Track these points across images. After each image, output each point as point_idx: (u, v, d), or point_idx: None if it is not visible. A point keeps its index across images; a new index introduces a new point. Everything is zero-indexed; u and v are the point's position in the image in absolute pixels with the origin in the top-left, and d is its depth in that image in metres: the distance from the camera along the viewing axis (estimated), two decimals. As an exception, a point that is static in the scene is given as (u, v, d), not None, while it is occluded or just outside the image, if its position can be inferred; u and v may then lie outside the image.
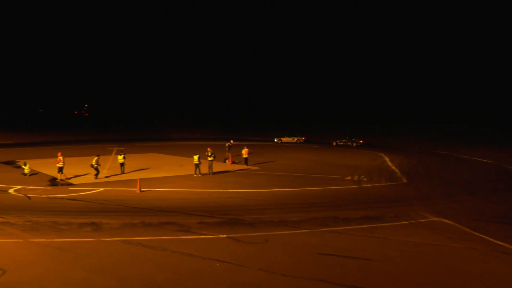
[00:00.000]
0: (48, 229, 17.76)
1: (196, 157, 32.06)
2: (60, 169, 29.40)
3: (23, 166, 32.33)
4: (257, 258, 14.47)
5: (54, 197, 24.31)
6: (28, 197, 24.45)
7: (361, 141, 64.70)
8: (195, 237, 16.83)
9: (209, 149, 33.43)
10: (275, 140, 69.18)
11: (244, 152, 38.50)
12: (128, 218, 19.53)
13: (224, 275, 12.99)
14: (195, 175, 31.82)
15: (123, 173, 32.83)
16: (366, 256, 14.72)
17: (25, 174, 31.48)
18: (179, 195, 25.44)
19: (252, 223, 18.94)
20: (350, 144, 64.32)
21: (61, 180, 29.03)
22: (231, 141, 43.56)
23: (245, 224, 18.80)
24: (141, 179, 27.22)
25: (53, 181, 29.40)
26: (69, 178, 30.10)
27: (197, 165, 32.04)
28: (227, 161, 40.31)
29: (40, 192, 25.86)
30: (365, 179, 32.04)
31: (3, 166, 37.46)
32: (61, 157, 29.41)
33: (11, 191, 26.15)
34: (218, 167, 33.55)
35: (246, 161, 38.40)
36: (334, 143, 65.09)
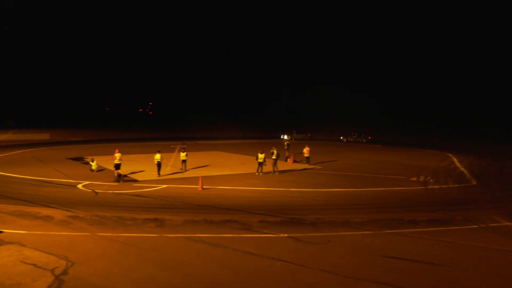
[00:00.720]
0: (114, 223, 18.26)
1: (261, 156, 31.99)
2: (117, 166, 30.20)
3: (90, 163, 33.51)
4: (319, 258, 14.21)
5: (120, 193, 25.02)
6: (96, 192, 25.29)
7: (369, 137, 67.55)
8: (256, 235, 16.77)
9: (274, 148, 33.29)
10: (341, 138, 69.09)
11: (306, 151, 38.14)
12: (190, 215, 19.78)
13: (285, 274, 12.84)
14: (257, 174, 31.81)
15: (185, 170, 33.41)
16: (433, 260, 14.13)
17: (93, 170, 32.62)
18: (241, 193, 25.52)
19: (314, 223, 18.68)
20: (359, 140, 66.82)
21: (119, 176, 29.70)
22: (288, 136, 43.31)
23: (307, 224, 18.57)
24: (203, 177, 27.53)
25: (119, 178, 30.28)
26: (125, 175, 30.94)
27: (260, 164, 31.97)
28: (288, 160, 40.14)
29: (106, 187, 26.70)
30: (431, 180, 30.95)
31: (72, 162, 39.06)
32: (117, 154, 30.24)
33: (79, 186, 27.17)
34: (279, 166, 33.38)
35: (308, 160, 38.03)
36: (344, 139, 65.77)
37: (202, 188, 26.19)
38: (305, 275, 12.80)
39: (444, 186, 28.92)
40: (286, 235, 16.76)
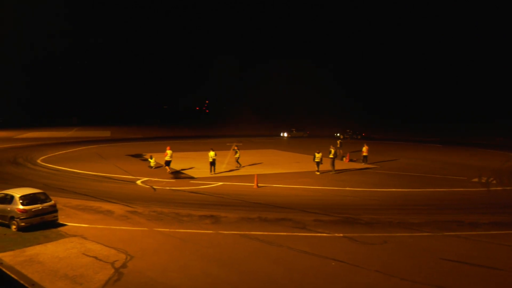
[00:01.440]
0: (171, 219, 18.68)
1: (318, 155, 31.68)
2: (167, 163, 31.31)
3: (149, 159, 34.39)
4: (374, 259, 14.00)
5: (177, 190, 25.54)
6: (154, 188, 25.95)
7: (363, 134, 68.64)
8: (310, 234, 16.72)
9: (332, 147, 32.94)
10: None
11: (365, 149, 37.42)
12: (245, 212, 19.95)
13: (340, 274, 12.74)
14: (318, 173, 31.37)
15: (240, 167, 33.95)
16: (494, 265, 13.61)
17: (151, 167, 33.46)
18: (295, 191, 25.48)
19: (370, 223, 18.40)
20: (355, 136, 67.54)
21: (172, 172, 30.51)
22: (340, 135, 42.80)
23: (362, 224, 18.32)
24: (258, 175, 27.66)
25: (176, 174, 30.93)
26: (177, 172, 31.81)
27: (318, 163, 31.62)
28: (344, 159, 39.69)
29: (164, 184, 27.32)
30: (494, 181, 29.77)
31: (132, 159, 40.22)
32: (168, 151, 31.43)
33: (138, 182, 27.95)
34: (336, 165, 32.97)
35: (365, 159, 37.34)
36: (341, 136, 65.30)
37: (257, 186, 26.33)
38: (360, 275, 12.65)
39: (508, 187, 27.74)
40: (341, 234, 16.61)
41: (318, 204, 22.08)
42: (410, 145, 59.57)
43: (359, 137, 67.06)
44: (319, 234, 16.72)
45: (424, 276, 12.55)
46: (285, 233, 16.72)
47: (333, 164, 31.93)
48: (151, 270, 13.00)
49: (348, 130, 69.53)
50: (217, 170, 31.53)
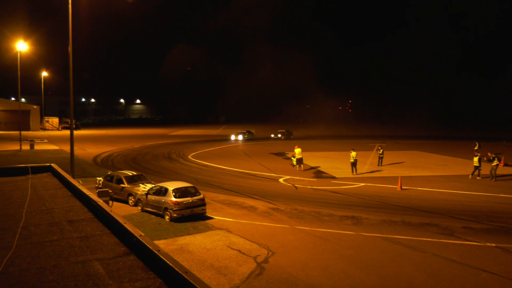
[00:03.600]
0: (312, 218, 18.83)
1: (476, 159, 29.37)
2: (299, 161, 32.10)
3: (291, 158, 34.99)
4: (532, 274, 12.76)
5: (318, 189, 25.66)
6: (295, 187, 26.35)
7: (293, 133, 66.15)
8: (458, 242, 15.73)
9: (489, 153, 30.06)
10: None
11: None
12: (387, 215, 19.40)
13: (491, 287, 11.83)
14: (479, 178, 29.23)
15: (380, 165, 34.28)
16: None
17: (294, 165, 33.99)
18: (442, 196, 24.13)
19: (527, 234, 16.80)
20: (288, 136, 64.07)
21: (304, 171, 31.01)
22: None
23: (519, 234, 16.78)
24: (402, 177, 26.69)
25: (318, 174, 31.09)
26: (304, 170, 32.15)
27: (476, 167, 29.17)
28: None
29: (306, 183, 27.62)
30: None
31: (275, 157, 41.28)
32: (296, 150, 32.34)
33: (281, 180, 28.59)
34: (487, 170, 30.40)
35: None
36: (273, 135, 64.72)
37: (401, 188, 25.43)
38: (514, 290, 11.64)
39: None
40: (493, 244, 15.39)
41: (467, 210, 20.65)
42: None
43: (291, 136, 64.40)
44: (468, 243, 15.66)
45: None
46: (430, 239, 15.95)
47: (493, 170, 28.92)
48: (292, 266, 13.24)
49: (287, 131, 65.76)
50: (359, 171, 31.06)
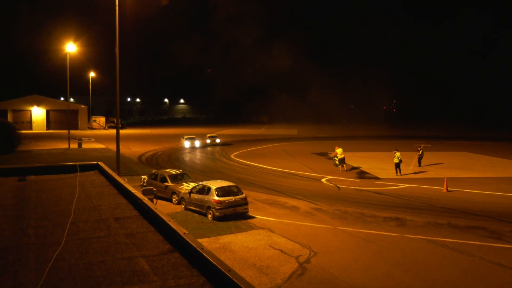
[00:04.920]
0: (355, 219, 18.63)
1: None
2: (341, 161, 31.88)
3: (335, 158, 34.65)
4: None
5: (361, 189, 25.35)
6: (338, 187, 26.12)
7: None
8: (508, 246, 15.23)
9: None
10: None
11: None
12: (433, 217, 18.98)
13: (543, 294, 11.40)
14: None
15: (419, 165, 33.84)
16: None
17: (337, 166, 33.68)
18: (490, 198, 23.41)
19: None
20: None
21: (347, 171, 31.00)
22: None
23: None
24: (448, 178, 26.04)
25: (361, 174, 30.72)
26: (347, 170, 32.06)
27: None
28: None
29: (348, 183, 27.34)
30: None
31: (317, 157, 41.06)
32: (337, 150, 32.15)
33: (323, 180, 28.41)
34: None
35: None
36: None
37: (447, 190, 24.82)
38: None
39: None
40: (545, 249, 14.83)
41: (517, 213, 19.97)
42: None
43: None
44: (518, 247, 15.15)
45: None
46: (477, 242, 15.50)
47: None
48: (334, 267, 13.14)
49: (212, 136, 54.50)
50: (403, 172, 30.49)
